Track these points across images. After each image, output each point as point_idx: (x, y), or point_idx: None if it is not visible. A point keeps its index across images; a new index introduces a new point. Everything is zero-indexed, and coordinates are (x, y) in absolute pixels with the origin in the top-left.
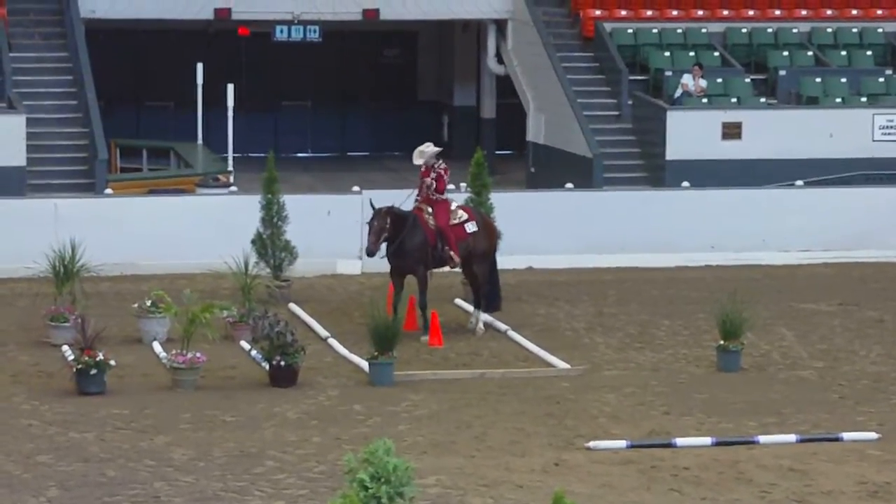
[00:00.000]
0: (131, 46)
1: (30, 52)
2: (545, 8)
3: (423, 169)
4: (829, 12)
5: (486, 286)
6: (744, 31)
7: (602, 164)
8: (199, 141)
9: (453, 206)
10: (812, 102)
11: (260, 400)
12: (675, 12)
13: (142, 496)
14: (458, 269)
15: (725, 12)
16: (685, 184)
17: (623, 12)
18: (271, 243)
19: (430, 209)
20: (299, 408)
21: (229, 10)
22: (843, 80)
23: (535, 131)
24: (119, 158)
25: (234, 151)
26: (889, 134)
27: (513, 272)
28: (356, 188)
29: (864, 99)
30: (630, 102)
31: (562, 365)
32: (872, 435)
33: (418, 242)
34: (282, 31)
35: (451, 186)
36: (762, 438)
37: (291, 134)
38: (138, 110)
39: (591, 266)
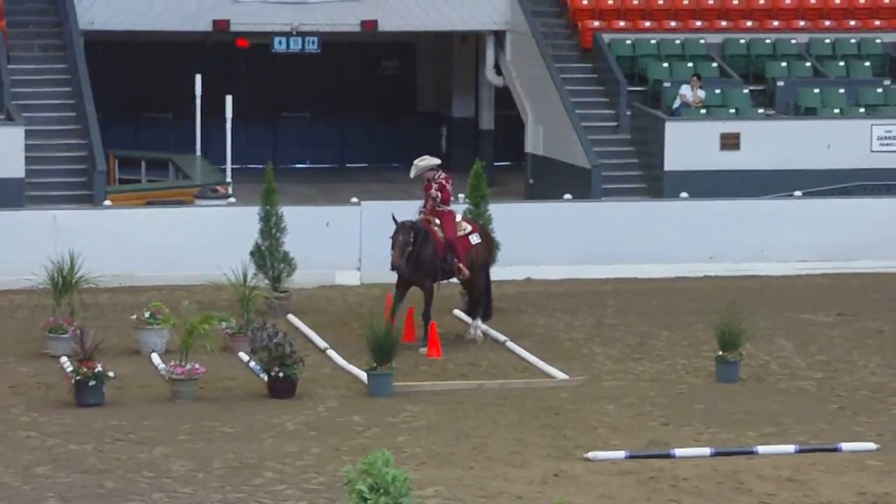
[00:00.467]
0: (130, 58)
1: (29, 64)
2: (544, 19)
3: (425, 183)
4: (827, 23)
5: (484, 296)
6: (742, 42)
7: (601, 174)
8: (198, 152)
9: (458, 218)
10: (810, 113)
11: (259, 411)
12: (673, 23)
13: None
14: (455, 280)
15: (724, 23)
16: (684, 194)
17: (621, 23)
18: (270, 254)
19: (437, 221)
20: (298, 419)
21: (228, 21)
22: (842, 90)
23: (534, 142)
24: (118, 170)
25: (232, 163)
26: (887, 144)
27: (512, 283)
28: (355, 199)
29: (862, 110)
30: (628, 113)
31: (561, 376)
32: (871, 445)
33: (430, 255)
34: (280, 43)
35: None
36: (761, 449)
37: (290, 145)
38: (137, 122)
39: (590, 277)
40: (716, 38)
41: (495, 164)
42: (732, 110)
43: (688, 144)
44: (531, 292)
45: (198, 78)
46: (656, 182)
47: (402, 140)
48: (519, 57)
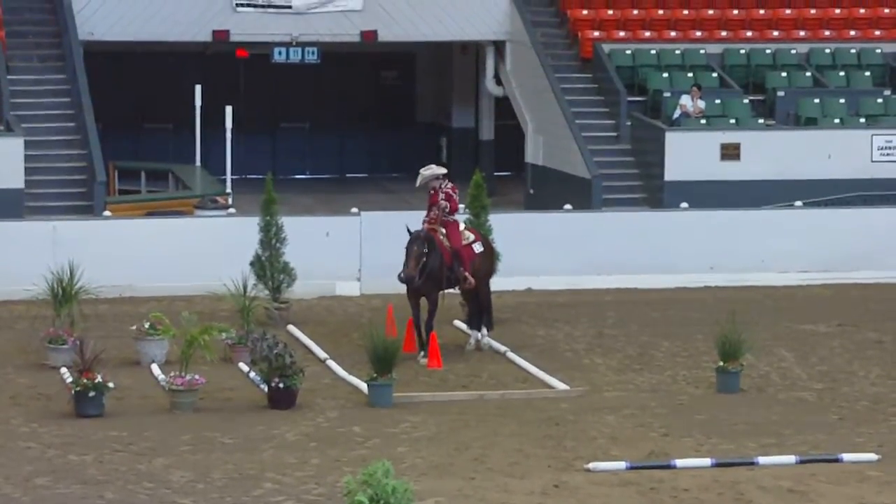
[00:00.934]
0: (130, 69)
1: (28, 75)
2: (543, 29)
3: (430, 192)
4: (827, 33)
5: (488, 307)
6: (742, 52)
7: (601, 185)
8: (198, 163)
9: (461, 227)
10: (810, 123)
11: (259, 422)
12: (673, 33)
13: None
14: (455, 290)
15: (724, 33)
16: (684, 205)
17: (621, 33)
18: (270, 265)
19: (443, 230)
20: (298, 430)
21: (228, 31)
22: (842, 100)
23: (534, 153)
24: (117, 180)
25: (232, 173)
26: (887, 154)
27: (512, 293)
28: (354, 210)
29: (862, 120)
30: (628, 123)
31: (561, 386)
32: (872, 456)
33: (438, 265)
34: (280, 53)
35: None
36: (762, 460)
37: (290, 155)
38: (137, 132)
39: (591, 287)
40: (716, 49)
41: (495, 174)
42: (732, 120)
43: (688, 155)
44: (531, 303)
45: (197, 88)
46: (656, 192)
47: (401, 150)
48: (519, 67)
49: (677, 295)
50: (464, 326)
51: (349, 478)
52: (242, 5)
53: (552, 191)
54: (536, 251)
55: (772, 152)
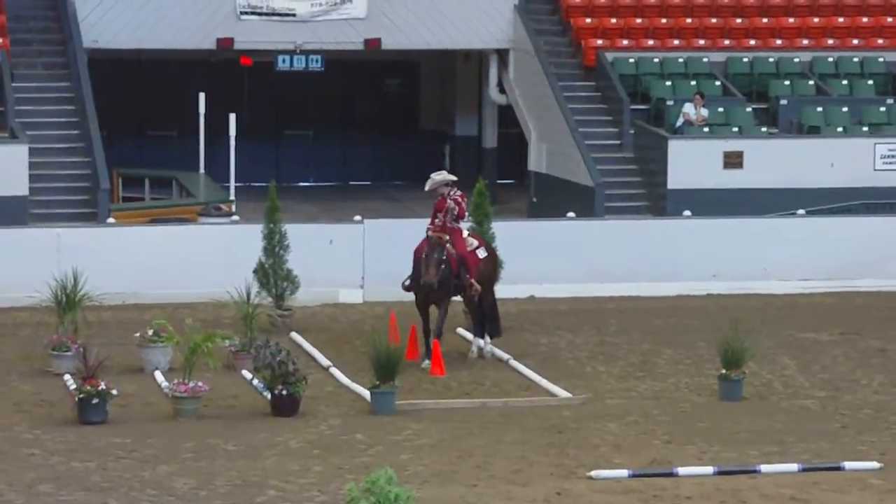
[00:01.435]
0: (134, 76)
1: (32, 82)
2: (547, 37)
3: (438, 199)
4: (830, 42)
5: (490, 314)
6: (745, 60)
7: (603, 193)
8: (202, 170)
9: (465, 234)
10: (813, 132)
11: (262, 429)
12: (676, 42)
13: None
14: (457, 297)
15: (727, 42)
16: (686, 213)
17: (624, 42)
18: (273, 272)
19: (447, 237)
20: (301, 437)
21: (232, 39)
22: (845, 109)
23: (537, 160)
24: (121, 188)
25: (236, 181)
26: (890, 163)
27: (514, 301)
28: (358, 217)
29: (865, 128)
30: (631, 131)
31: (564, 394)
32: (874, 464)
33: (448, 272)
34: (284, 61)
35: None
36: (764, 468)
37: (293, 163)
38: (141, 139)
39: (593, 295)
40: (719, 57)
41: (498, 181)
42: (735, 129)
43: (691, 163)
44: (534, 310)
45: (201, 96)
46: (659, 200)
47: (405, 158)
48: (522, 75)
49: (680, 303)
50: (468, 335)
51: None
52: (246, 13)
53: (555, 199)
54: (539, 259)
55: (775, 160)
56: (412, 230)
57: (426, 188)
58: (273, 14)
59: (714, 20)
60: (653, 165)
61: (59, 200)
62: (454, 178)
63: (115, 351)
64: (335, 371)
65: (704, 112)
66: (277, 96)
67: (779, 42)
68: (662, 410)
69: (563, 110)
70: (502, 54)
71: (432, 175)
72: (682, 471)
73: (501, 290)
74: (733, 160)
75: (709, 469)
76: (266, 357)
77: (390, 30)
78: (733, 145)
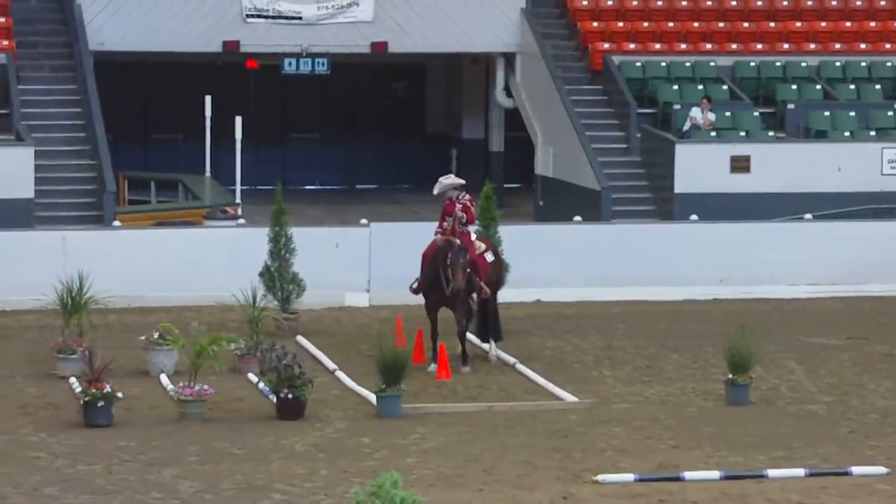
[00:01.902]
0: (140, 79)
1: (38, 85)
2: (554, 41)
3: (446, 202)
4: (837, 46)
5: (494, 317)
6: (752, 64)
7: (610, 197)
8: (208, 173)
9: (473, 237)
10: (820, 136)
11: (267, 432)
12: (683, 46)
13: None
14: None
15: (734, 46)
16: (694, 217)
17: (631, 46)
18: (279, 275)
19: (458, 241)
20: (307, 440)
21: (238, 42)
22: (852, 113)
23: (544, 164)
24: (127, 190)
25: (242, 184)
26: None
27: (521, 305)
28: (364, 221)
29: (872, 133)
30: (638, 135)
31: (570, 398)
32: (882, 469)
33: (469, 276)
34: (290, 64)
35: None
36: (771, 472)
37: (299, 166)
38: (146, 142)
39: (600, 299)
40: (726, 61)
41: (505, 185)
42: (743, 133)
43: (698, 167)
44: (541, 314)
45: (207, 99)
46: (666, 204)
47: (411, 162)
48: (529, 79)
49: (686, 307)
50: (475, 339)
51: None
52: (253, 16)
53: (562, 202)
54: (546, 263)
55: (782, 165)
56: (418, 233)
57: (435, 192)
58: (279, 17)
59: (721, 24)
60: (660, 169)
61: (65, 203)
62: (462, 181)
63: (120, 354)
64: (341, 374)
65: (711, 116)
66: (283, 99)
67: (786, 46)
68: (669, 415)
69: (570, 114)
70: (509, 58)
71: (441, 179)
72: (688, 475)
73: (508, 294)
74: (740, 164)
75: (715, 473)
76: (272, 360)
77: (397, 33)
78: (740, 149)
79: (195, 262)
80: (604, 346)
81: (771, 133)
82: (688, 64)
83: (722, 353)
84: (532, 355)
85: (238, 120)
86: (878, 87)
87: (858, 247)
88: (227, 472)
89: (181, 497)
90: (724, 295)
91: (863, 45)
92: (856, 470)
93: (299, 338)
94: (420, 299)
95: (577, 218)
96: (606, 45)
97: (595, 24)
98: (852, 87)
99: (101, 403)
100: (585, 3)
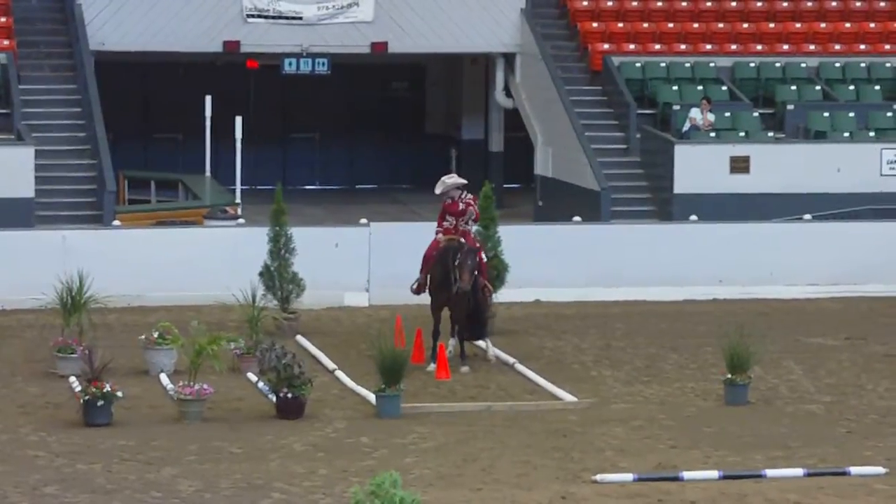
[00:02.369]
0: (140, 79)
1: (39, 84)
2: (553, 42)
3: (448, 201)
4: (837, 47)
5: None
6: (752, 65)
7: (610, 197)
8: (208, 173)
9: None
10: (820, 137)
11: (267, 432)
12: (683, 46)
13: None
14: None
15: (733, 47)
16: (693, 217)
17: (631, 46)
18: (279, 275)
19: (462, 240)
20: (306, 440)
21: (238, 42)
22: (851, 114)
23: (543, 165)
24: (127, 190)
25: (242, 183)
26: None
27: (520, 305)
28: (364, 221)
29: (871, 133)
30: (638, 136)
31: (569, 398)
32: (880, 469)
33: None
34: (290, 64)
35: None
36: (769, 472)
37: (299, 166)
38: (147, 142)
39: (599, 299)
40: (726, 62)
41: (504, 185)
42: (742, 133)
43: (697, 167)
44: (540, 314)
45: (208, 99)
46: (665, 205)
47: (411, 162)
48: (529, 79)
49: (686, 307)
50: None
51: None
52: (253, 16)
53: (561, 203)
54: (545, 263)
55: (781, 166)
56: (418, 233)
57: (438, 191)
58: (280, 17)
59: (721, 25)
60: (659, 170)
61: (65, 203)
62: (465, 181)
63: (120, 353)
64: (340, 374)
65: (711, 117)
66: (284, 99)
67: (786, 47)
68: (668, 415)
69: (570, 114)
70: (509, 58)
71: (444, 178)
72: (687, 475)
73: (507, 294)
74: (740, 165)
75: (714, 473)
76: (271, 360)
77: (397, 33)
78: (740, 150)
79: (195, 262)
80: (603, 346)
81: (770, 134)
82: (687, 65)
83: (721, 353)
84: (531, 355)
85: (238, 120)
86: (877, 87)
87: (857, 247)
88: (227, 472)
89: (180, 496)
90: (724, 295)
91: (862, 46)
92: (854, 470)
93: (299, 337)
94: (420, 299)
95: (577, 218)
96: (606, 46)
97: (595, 24)
98: (851, 87)
99: (100, 402)
100: (585, 3)
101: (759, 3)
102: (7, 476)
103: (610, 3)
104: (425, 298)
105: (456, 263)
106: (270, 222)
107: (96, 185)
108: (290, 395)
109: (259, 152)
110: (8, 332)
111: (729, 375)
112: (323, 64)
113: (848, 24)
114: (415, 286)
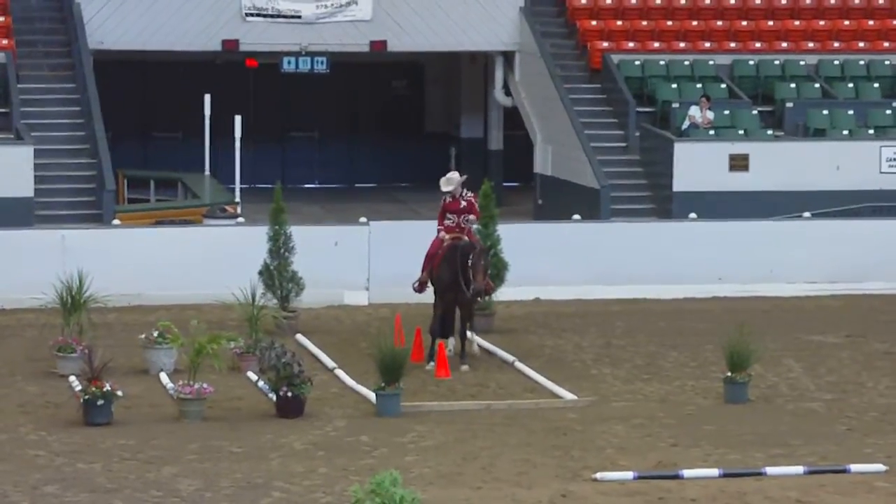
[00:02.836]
0: (139, 77)
1: (38, 84)
2: (553, 40)
3: (449, 199)
4: (836, 45)
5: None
6: (751, 63)
7: (609, 195)
8: (207, 172)
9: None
10: (819, 134)
11: (266, 431)
12: (682, 44)
13: None
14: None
15: (733, 45)
16: (692, 215)
17: (630, 44)
18: (278, 274)
19: (465, 238)
20: (306, 439)
21: (237, 41)
22: (850, 112)
23: (543, 163)
24: (126, 189)
25: (241, 182)
26: None
27: (520, 303)
28: (363, 219)
29: (871, 131)
30: (637, 134)
31: (569, 396)
32: (880, 467)
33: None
34: (289, 63)
35: None
36: (769, 470)
37: (299, 165)
38: (146, 141)
39: (599, 297)
40: (725, 60)
41: (504, 184)
42: (741, 131)
43: (697, 165)
44: (540, 312)
45: (207, 97)
46: (665, 203)
47: (410, 160)
48: (528, 77)
49: (685, 305)
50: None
51: (357, 487)
52: (252, 15)
53: (561, 201)
54: (545, 261)
55: (780, 163)
56: (418, 232)
57: (447, 188)
58: (278, 16)
59: (720, 23)
60: (658, 168)
61: (65, 202)
62: (465, 176)
63: (120, 352)
64: (340, 373)
65: (710, 115)
66: (283, 98)
67: (785, 45)
68: (668, 413)
69: (569, 113)
70: (508, 56)
71: (449, 175)
72: (687, 473)
73: (507, 293)
74: (739, 163)
75: (714, 471)
76: (271, 358)
77: (396, 32)
78: (739, 148)
79: (194, 261)
80: (603, 344)
81: (769, 131)
82: (686, 62)
83: (721, 350)
84: (531, 353)
85: (237, 118)
86: (876, 85)
87: (857, 245)
88: (227, 471)
89: (180, 495)
90: (723, 293)
91: (861, 44)
92: (854, 467)
93: (298, 336)
94: (420, 298)
95: (576, 216)
96: (605, 44)
97: (594, 22)
98: (851, 85)
99: (100, 402)
100: (584, 1)
101: (758, 1)
102: (7, 475)
103: (609, 1)
104: (425, 297)
105: (470, 265)
106: (270, 221)
107: (95, 185)
108: (289, 394)
109: (258, 151)
110: (8, 332)
111: (729, 373)
112: (322, 62)
113: (847, 22)
114: (416, 284)
